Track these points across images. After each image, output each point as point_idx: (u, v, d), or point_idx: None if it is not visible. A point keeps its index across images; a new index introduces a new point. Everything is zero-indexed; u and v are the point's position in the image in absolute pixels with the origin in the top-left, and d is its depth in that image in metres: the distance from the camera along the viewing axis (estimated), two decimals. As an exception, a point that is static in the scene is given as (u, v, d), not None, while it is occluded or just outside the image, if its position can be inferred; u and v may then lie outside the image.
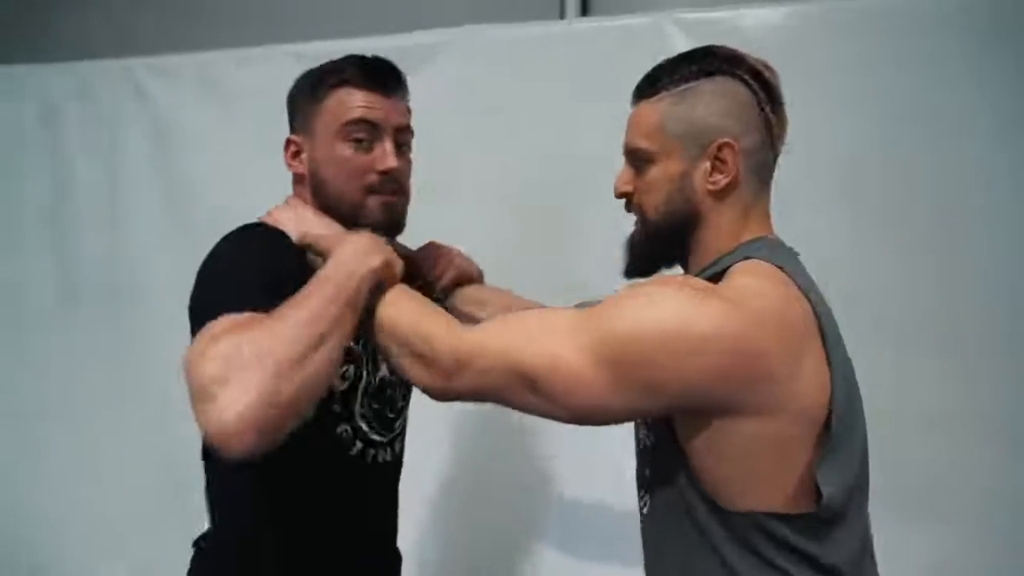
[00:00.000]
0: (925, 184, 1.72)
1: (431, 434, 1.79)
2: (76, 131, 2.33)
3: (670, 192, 1.04)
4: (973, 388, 1.69)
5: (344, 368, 1.19)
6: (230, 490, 1.22)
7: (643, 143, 1.05)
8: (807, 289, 0.96)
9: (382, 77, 1.22)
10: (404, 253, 1.31)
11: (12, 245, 2.36)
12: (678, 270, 1.10)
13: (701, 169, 1.02)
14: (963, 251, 1.70)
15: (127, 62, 2.29)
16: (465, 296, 1.37)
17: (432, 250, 1.42)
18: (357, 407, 1.23)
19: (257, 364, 0.92)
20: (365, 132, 1.20)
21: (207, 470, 1.25)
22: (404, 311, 1.08)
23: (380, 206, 1.21)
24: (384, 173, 1.20)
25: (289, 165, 1.26)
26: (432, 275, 1.38)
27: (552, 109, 1.94)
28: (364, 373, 1.24)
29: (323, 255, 1.11)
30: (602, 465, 1.74)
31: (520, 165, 1.96)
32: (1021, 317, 1.68)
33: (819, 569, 0.94)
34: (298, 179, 1.27)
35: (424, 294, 1.17)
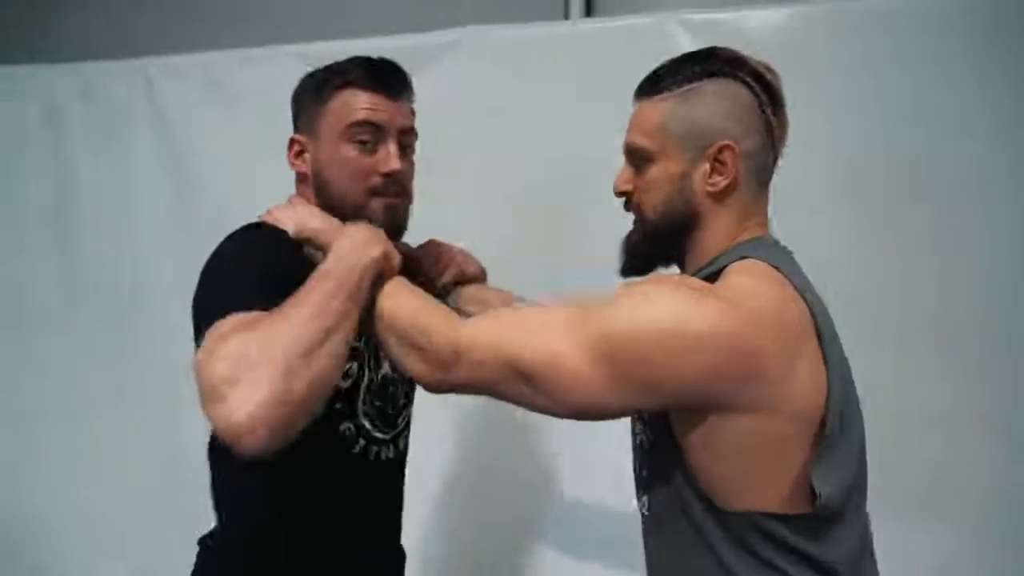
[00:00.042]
0: (927, 184, 1.72)
1: (434, 432, 1.80)
2: (80, 131, 2.33)
3: (669, 192, 1.04)
4: (974, 388, 1.69)
5: (348, 366, 1.20)
6: (237, 488, 1.22)
7: (644, 142, 1.05)
8: (803, 289, 0.97)
9: (387, 79, 1.22)
10: (405, 251, 1.32)
11: (16, 245, 2.37)
12: (674, 269, 1.11)
13: (701, 170, 1.02)
14: (964, 251, 1.70)
15: (131, 63, 2.29)
16: (467, 295, 1.38)
17: (433, 248, 1.42)
18: (360, 404, 1.24)
19: (266, 362, 0.93)
20: (369, 134, 1.20)
21: (213, 468, 1.25)
22: (402, 303, 1.09)
23: (383, 208, 1.22)
24: (388, 175, 1.20)
25: (292, 164, 1.27)
26: (433, 272, 1.38)
27: (556, 109, 1.94)
28: (367, 371, 1.25)
29: (322, 249, 1.12)
30: (604, 464, 1.74)
31: (525, 165, 1.96)
32: (1022, 317, 1.68)
33: (817, 569, 0.95)
34: (301, 178, 1.27)
35: (425, 291, 1.18)
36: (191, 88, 2.24)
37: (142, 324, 2.24)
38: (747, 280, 0.96)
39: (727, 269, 0.99)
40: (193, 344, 1.12)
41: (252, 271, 1.10)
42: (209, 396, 0.94)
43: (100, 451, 2.28)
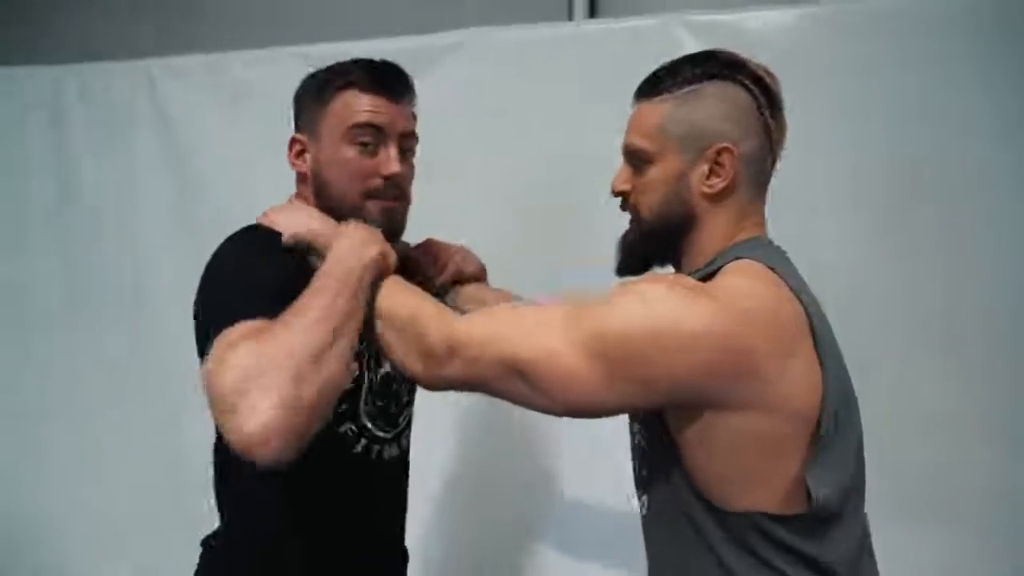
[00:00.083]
0: (930, 185, 1.72)
1: (435, 432, 1.80)
2: (82, 132, 2.33)
3: (666, 193, 1.04)
4: (975, 389, 1.69)
5: None
6: (240, 489, 1.23)
7: (643, 143, 1.05)
8: (799, 290, 0.97)
9: (389, 81, 1.22)
10: (403, 250, 1.32)
11: (18, 246, 2.37)
12: (670, 269, 1.11)
13: (698, 172, 1.03)
14: (966, 252, 1.70)
15: (133, 63, 2.29)
16: (465, 295, 1.38)
17: (431, 247, 1.42)
18: (361, 404, 1.24)
19: (275, 370, 0.94)
20: (370, 136, 1.20)
21: (216, 469, 1.26)
22: (398, 301, 1.10)
23: (380, 211, 1.22)
24: (387, 178, 1.21)
25: (293, 164, 1.27)
26: (431, 271, 1.38)
27: (560, 110, 1.94)
28: (367, 371, 1.25)
29: (320, 252, 1.12)
30: (604, 464, 1.74)
31: (529, 166, 1.96)
32: (1023, 318, 1.68)
33: (816, 569, 0.95)
34: (301, 178, 1.27)
35: (424, 290, 1.18)
36: (193, 89, 2.24)
37: (144, 325, 2.25)
38: (741, 280, 0.96)
39: (722, 269, 0.99)
40: (195, 346, 1.13)
41: (254, 276, 1.11)
42: (220, 408, 0.94)
43: (103, 451, 2.29)
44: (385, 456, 1.29)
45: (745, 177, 1.03)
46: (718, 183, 1.02)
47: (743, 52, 1.07)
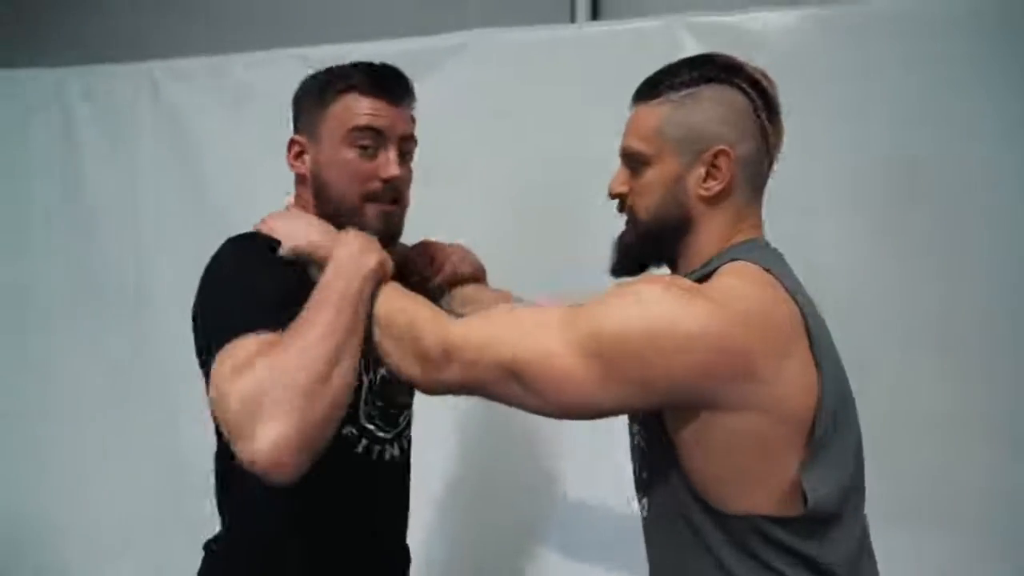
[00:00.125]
0: (930, 186, 1.72)
1: (436, 434, 1.80)
2: (85, 134, 2.33)
3: (663, 195, 1.05)
4: (974, 390, 1.69)
5: None
6: (242, 494, 1.22)
7: (640, 146, 1.06)
8: (794, 291, 0.97)
9: (390, 85, 1.23)
10: (399, 252, 1.32)
11: (21, 247, 2.37)
12: (665, 270, 1.11)
13: (695, 174, 1.03)
14: (966, 254, 1.70)
15: (136, 65, 2.30)
16: (463, 295, 1.38)
17: (427, 248, 1.42)
18: (361, 406, 1.24)
19: (284, 393, 0.96)
20: (370, 139, 1.20)
21: (218, 475, 1.26)
22: (395, 307, 1.10)
23: (378, 214, 1.22)
24: (386, 181, 1.21)
25: (292, 165, 1.27)
26: (428, 272, 1.38)
27: (563, 113, 1.93)
28: (365, 373, 1.25)
29: (320, 264, 1.12)
30: (606, 466, 1.74)
31: (531, 168, 1.96)
32: (1023, 318, 1.67)
33: (816, 570, 0.95)
34: (299, 179, 1.28)
35: (420, 292, 1.18)
36: (196, 91, 2.24)
37: (147, 326, 2.25)
38: (736, 281, 0.96)
39: (718, 271, 1.00)
40: (195, 353, 1.13)
41: (255, 287, 1.11)
42: (233, 433, 0.97)
43: (105, 452, 2.29)
44: (386, 456, 1.29)
45: (742, 180, 1.03)
46: (714, 186, 1.02)
47: (745, 54, 1.08)
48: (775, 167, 1.09)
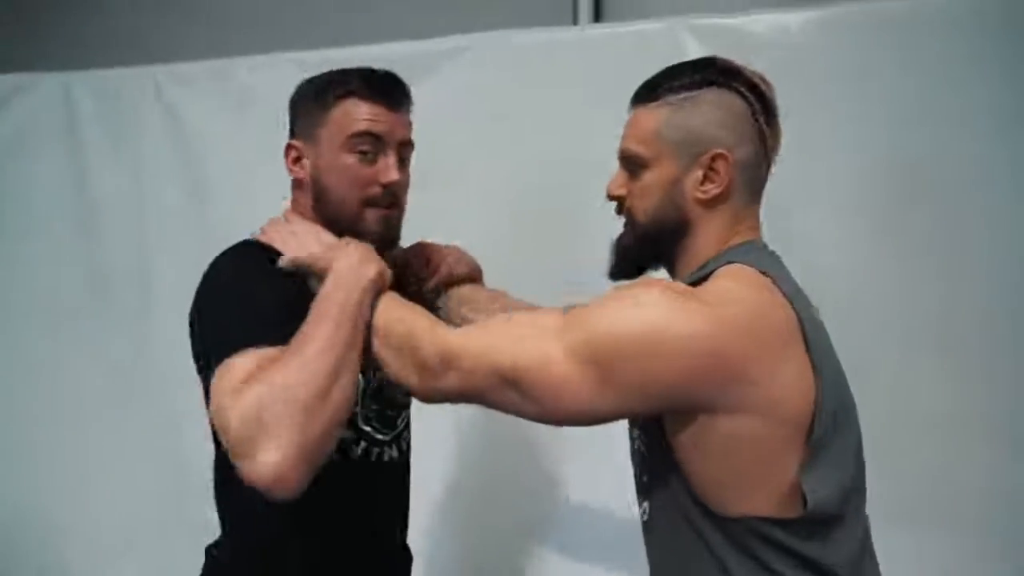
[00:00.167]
0: (931, 186, 1.71)
1: (437, 437, 1.80)
2: (87, 138, 2.33)
3: (661, 198, 1.05)
4: (974, 390, 1.69)
5: None
6: (241, 499, 1.22)
7: (639, 148, 1.06)
8: (791, 294, 0.97)
9: (388, 90, 1.23)
10: (395, 255, 1.33)
11: (26, 250, 2.37)
12: (663, 273, 1.12)
13: (693, 177, 1.03)
14: (965, 253, 1.70)
15: (139, 69, 2.30)
16: (459, 296, 1.37)
17: (423, 249, 1.42)
18: (359, 410, 1.24)
19: (284, 410, 0.97)
20: (370, 144, 1.21)
21: (217, 481, 1.26)
22: (393, 316, 1.11)
23: (379, 219, 1.23)
24: (386, 186, 1.22)
25: (290, 171, 1.27)
26: (424, 274, 1.38)
27: (565, 115, 1.93)
28: (362, 377, 1.25)
29: (320, 276, 1.13)
30: (607, 469, 1.73)
31: (533, 171, 1.96)
32: (1023, 319, 1.67)
33: (818, 571, 0.95)
34: (298, 184, 1.28)
35: (416, 293, 1.18)
36: (198, 94, 2.24)
37: (151, 329, 2.24)
38: (731, 284, 0.97)
39: (714, 274, 1.00)
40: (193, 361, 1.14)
41: (253, 300, 1.12)
42: (235, 452, 0.99)
43: (108, 454, 2.28)
44: (385, 458, 1.29)
45: (740, 183, 1.04)
46: (712, 189, 1.03)
47: (746, 55, 1.09)
48: (774, 168, 1.09)
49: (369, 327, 1.10)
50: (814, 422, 0.93)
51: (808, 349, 0.94)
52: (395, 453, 1.32)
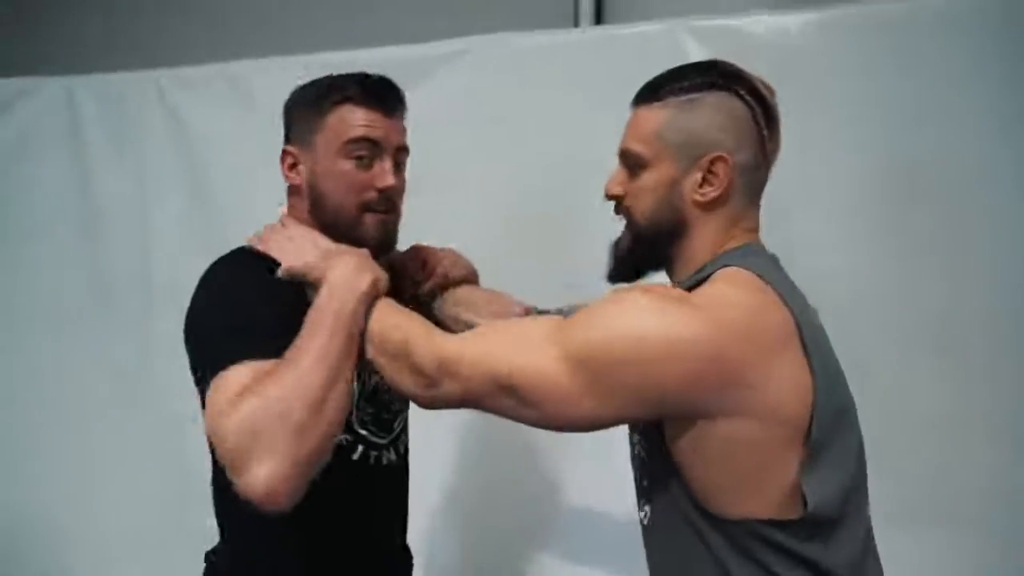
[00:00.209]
0: (931, 186, 1.71)
1: (437, 440, 1.80)
2: (91, 142, 2.33)
3: (659, 199, 1.05)
4: (976, 390, 1.68)
5: None
6: (239, 506, 1.22)
7: (639, 148, 1.06)
8: (787, 296, 0.98)
9: (384, 96, 1.24)
10: (390, 258, 1.33)
11: (29, 254, 2.37)
12: (662, 275, 1.12)
13: (691, 179, 1.03)
14: (967, 253, 1.70)
15: (142, 73, 2.30)
16: (457, 298, 1.38)
17: (418, 252, 1.42)
18: (354, 415, 1.24)
19: (279, 424, 0.98)
20: (366, 150, 1.21)
21: (215, 489, 1.26)
22: (388, 323, 1.11)
23: (376, 223, 1.23)
24: (382, 191, 1.22)
25: (286, 177, 1.28)
26: (420, 277, 1.39)
27: (566, 117, 1.93)
28: (356, 382, 1.24)
29: (314, 285, 1.13)
30: (608, 473, 1.73)
31: (534, 174, 1.96)
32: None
33: (818, 573, 0.95)
34: (294, 190, 1.28)
35: (413, 297, 1.18)
36: (202, 97, 2.25)
37: (154, 334, 2.23)
38: (726, 288, 0.97)
39: (710, 278, 1.00)
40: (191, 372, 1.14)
41: (248, 312, 1.12)
42: (229, 466, 1.00)
43: (111, 460, 2.29)
44: (383, 462, 1.29)
45: (739, 186, 1.04)
46: (710, 192, 1.03)
47: (747, 56, 1.09)
48: (774, 170, 1.09)
49: (364, 333, 1.11)
50: (812, 423, 0.93)
51: (805, 351, 0.94)
52: (393, 456, 1.32)
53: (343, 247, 1.18)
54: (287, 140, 1.28)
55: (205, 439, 1.06)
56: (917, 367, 1.71)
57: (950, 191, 1.70)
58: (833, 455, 0.95)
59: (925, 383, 1.71)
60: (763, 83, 1.05)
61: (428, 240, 1.44)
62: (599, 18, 2.25)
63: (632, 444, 1.12)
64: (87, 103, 2.33)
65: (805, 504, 0.93)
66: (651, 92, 1.07)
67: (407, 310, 1.15)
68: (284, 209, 1.30)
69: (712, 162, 1.02)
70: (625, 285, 1.07)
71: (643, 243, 1.09)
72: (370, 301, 1.11)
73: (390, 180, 1.22)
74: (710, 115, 1.02)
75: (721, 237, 1.05)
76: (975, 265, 1.69)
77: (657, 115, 1.05)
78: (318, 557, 1.22)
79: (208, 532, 1.30)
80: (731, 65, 1.06)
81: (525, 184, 1.96)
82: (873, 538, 1.05)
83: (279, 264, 1.17)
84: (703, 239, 1.05)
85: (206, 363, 1.08)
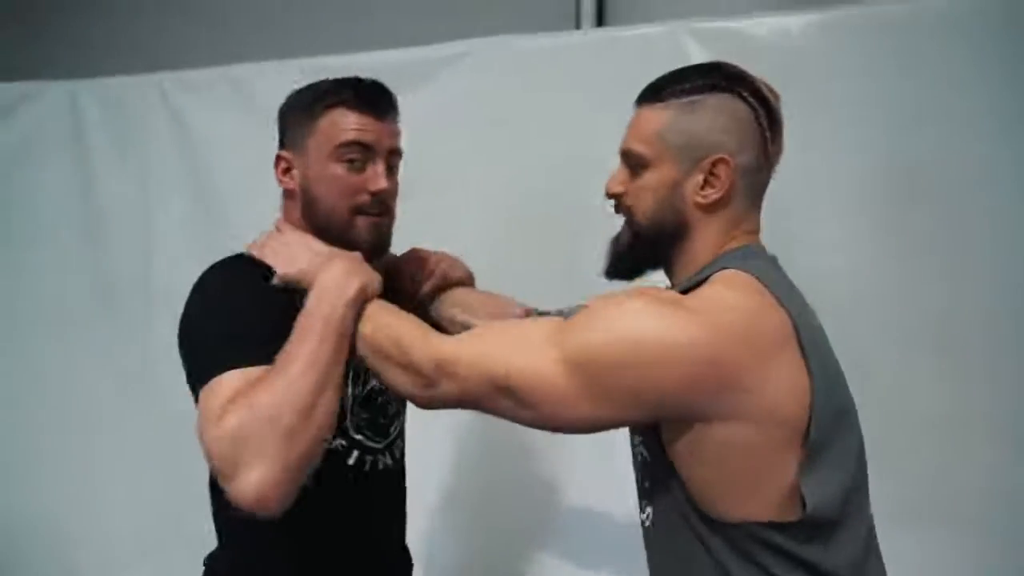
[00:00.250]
0: (931, 187, 1.71)
1: (437, 441, 1.81)
2: (94, 145, 2.33)
3: (659, 200, 1.05)
4: (976, 390, 1.68)
5: None
6: (237, 511, 1.23)
7: (640, 147, 1.06)
8: (785, 298, 0.97)
9: (375, 100, 1.24)
10: (387, 261, 1.33)
11: (33, 257, 2.38)
12: (661, 275, 1.12)
13: (693, 181, 1.03)
14: (967, 254, 1.70)
15: (145, 77, 2.30)
16: (453, 299, 1.38)
17: (415, 255, 1.43)
18: (349, 420, 1.25)
19: (268, 430, 0.99)
20: (358, 153, 1.21)
21: (213, 495, 1.27)
22: (382, 325, 1.11)
23: (369, 226, 1.24)
24: (374, 194, 1.22)
25: (280, 181, 1.28)
26: (419, 278, 1.39)
27: (568, 119, 1.93)
28: (350, 387, 1.26)
29: (305, 290, 1.13)
30: (608, 474, 1.74)
31: (534, 176, 1.96)
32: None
33: (819, 574, 0.95)
34: (288, 195, 1.29)
35: (410, 300, 1.18)
36: (204, 101, 2.25)
37: (157, 337, 2.23)
38: (723, 291, 0.97)
39: (708, 280, 1.00)
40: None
41: (240, 319, 1.13)
42: (220, 474, 1.00)
43: (115, 463, 2.29)
44: (379, 466, 1.30)
45: (740, 188, 1.04)
46: (712, 194, 1.03)
47: (748, 58, 1.09)
48: (775, 171, 1.09)
49: (356, 335, 1.11)
50: (810, 425, 0.93)
51: (803, 352, 0.94)
52: (389, 461, 1.32)
53: (335, 251, 1.18)
54: (281, 145, 1.28)
55: (201, 444, 1.07)
56: (917, 367, 1.71)
57: (950, 191, 1.70)
58: (832, 456, 0.95)
59: (925, 383, 1.71)
60: (767, 86, 1.05)
61: (430, 241, 1.44)
62: (601, 20, 2.25)
63: (633, 446, 1.12)
64: (90, 107, 2.34)
65: (804, 506, 0.93)
66: (654, 93, 1.07)
67: (401, 311, 1.15)
68: (280, 216, 1.30)
69: (714, 164, 1.02)
70: (621, 284, 1.07)
71: (643, 242, 1.09)
72: (359, 305, 1.11)
73: (382, 183, 1.22)
74: (712, 117, 1.02)
75: (722, 239, 1.05)
76: (975, 265, 1.69)
77: (659, 116, 1.05)
78: (315, 562, 1.22)
79: (210, 536, 1.30)
80: (734, 67, 1.06)
81: (527, 186, 1.96)
82: (875, 538, 1.04)
83: (275, 271, 1.18)
84: (704, 241, 1.05)
85: (199, 369, 1.08)
